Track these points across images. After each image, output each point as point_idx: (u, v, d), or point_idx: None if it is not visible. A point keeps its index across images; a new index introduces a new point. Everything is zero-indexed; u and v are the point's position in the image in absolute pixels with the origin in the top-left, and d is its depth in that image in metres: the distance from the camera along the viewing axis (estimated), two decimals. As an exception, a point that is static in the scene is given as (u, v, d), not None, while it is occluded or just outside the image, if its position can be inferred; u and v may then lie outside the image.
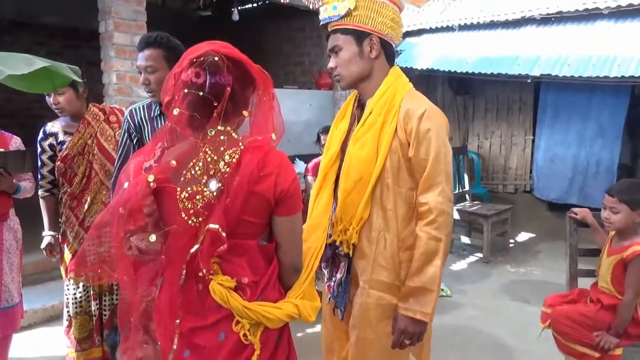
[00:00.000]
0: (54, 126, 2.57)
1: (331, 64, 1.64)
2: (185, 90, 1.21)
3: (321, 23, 1.66)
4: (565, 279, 2.79)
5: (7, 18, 5.84)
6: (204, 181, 1.20)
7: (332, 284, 1.68)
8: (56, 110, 2.49)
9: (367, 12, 1.57)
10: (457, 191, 5.40)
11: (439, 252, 1.51)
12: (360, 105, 1.71)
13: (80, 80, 1.55)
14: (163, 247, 1.23)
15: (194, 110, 1.21)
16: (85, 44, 6.54)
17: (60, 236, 2.60)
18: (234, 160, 1.20)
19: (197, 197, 1.20)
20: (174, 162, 1.22)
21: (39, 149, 2.55)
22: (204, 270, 1.18)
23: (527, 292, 4.13)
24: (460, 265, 4.90)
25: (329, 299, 1.72)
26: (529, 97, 6.28)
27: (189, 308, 1.24)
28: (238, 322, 1.21)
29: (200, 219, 1.19)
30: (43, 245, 2.59)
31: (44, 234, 2.61)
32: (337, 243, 1.62)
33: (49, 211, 2.60)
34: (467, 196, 5.55)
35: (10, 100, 6.23)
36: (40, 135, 2.55)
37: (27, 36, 6.33)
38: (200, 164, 1.21)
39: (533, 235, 5.79)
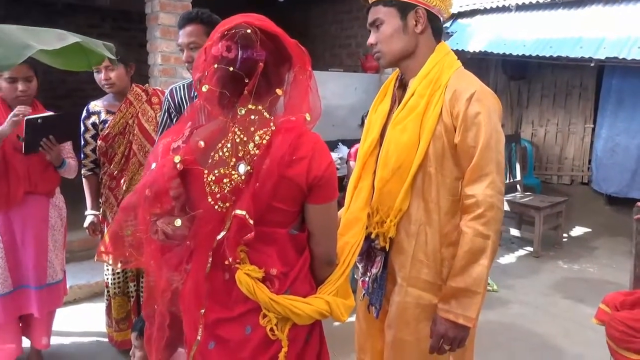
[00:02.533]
0: (97, 105, 2.58)
1: (371, 39, 1.49)
2: (215, 66, 1.12)
3: None
4: (628, 280, 2.57)
5: (61, 1, 6.00)
6: (232, 163, 1.12)
7: (367, 279, 1.56)
8: (106, 87, 2.49)
9: None
10: (508, 181, 5.13)
11: (486, 251, 1.35)
12: (402, 85, 1.56)
13: (114, 57, 1.52)
14: (189, 232, 1.17)
15: (223, 87, 1.12)
16: (135, 27, 6.62)
17: (101, 216, 2.63)
18: (264, 141, 1.11)
19: (225, 180, 1.12)
20: (202, 143, 1.15)
21: (82, 128, 2.57)
22: (230, 259, 1.11)
23: (581, 290, 3.88)
24: (508, 258, 4.67)
25: (363, 295, 1.60)
26: (591, 82, 5.86)
27: (215, 298, 1.17)
28: (265, 316, 1.14)
29: (227, 204, 1.11)
30: (86, 225, 2.63)
31: (86, 213, 2.64)
32: (373, 236, 1.50)
33: (91, 190, 2.63)
34: (518, 186, 5.28)
35: (65, 81, 6.44)
36: (84, 113, 2.57)
37: (80, 19, 6.49)
38: (229, 145, 1.12)
39: (589, 230, 5.44)
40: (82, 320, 3.22)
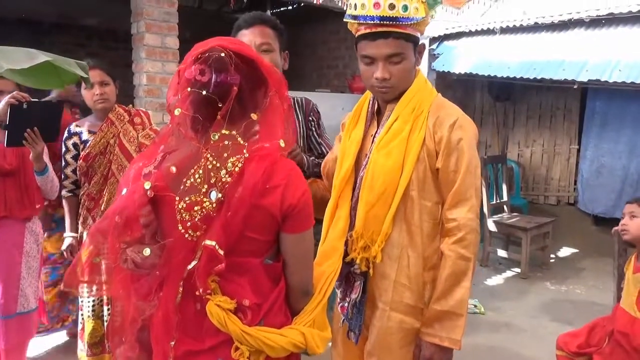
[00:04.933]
0: (78, 125, 2.55)
1: (384, 74, 1.39)
2: (188, 89, 1.10)
3: (376, 21, 1.36)
4: (612, 300, 2.56)
5: (48, 21, 5.98)
6: (204, 190, 1.09)
7: (346, 304, 1.53)
8: (99, 102, 2.44)
9: (427, 18, 1.42)
10: (494, 202, 5.13)
11: (467, 273, 1.40)
12: (376, 109, 1.55)
13: (87, 76, 1.49)
14: (160, 261, 1.13)
15: (196, 111, 1.10)
16: (122, 46, 6.62)
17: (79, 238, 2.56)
18: (237, 169, 1.08)
19: (196, 208, 1.08)
20: (173, 169, 1.12)
21: (63, 149, 2.53)
22: (201, 290, 1.07)
23: (569, 312, 3.85)
24: (495, 280, 4.64)
25: (343, 321, 1.56)
26: (575, 104, 5.94)
27: (186, 329, 1.13)
28: (237, 349, 1.09)
29: (198, 233, 1.08)
30: (64, 247, 2.56)
31: (65, 235, 2.58)
32: (358, 261, 1.46)
33: (70, 212, 2.57)
34: (505, 207, 5.27)
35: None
36: (65, 134, 2.54)
37: (67, 38, 6.46)
38: (201, 171, 1.09)
39: (576, 250, 5.45)
40: (57, 346, 3.11)
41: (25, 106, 2.06)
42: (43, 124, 2.17)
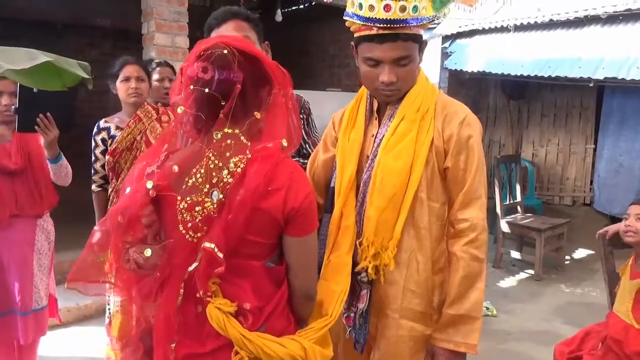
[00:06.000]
0: (107, 121, 2.59)
1: (391, 77, 1.34)
2: (191, 87, 1.08)
3: (386, 25, 1.29)
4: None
5: (60, 21, 6.04)
6: (205, 190, 1.06)
7: (353, 315, 1.47)
8: (132, 96, 2.48)
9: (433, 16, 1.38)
10: (508, 202, 5.05)
11: (481, 274, 1.36)
12: (373, 108, 1.49)
13: (89, 77, 1.48)
14: (162, 262, 1.11)
15: (199, 110, 1.08)
16: (134, 46, 6.68)
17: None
18: (239, 170, 1.05)
19: (197, 208, 1.06)
20: (175, 168, 1.10)
21: (92, 144, 2.56)
22: (201, 292, 1.04)
23: (583, 315, 3.76)
24: (509, 282, 4.57)
25: (349, 331, 1.49)
26: (591, 103, 5.83)
27: (187, 331, 1.11)
28: (237, 353, 1.06)
29: (198, 234, 1.06)
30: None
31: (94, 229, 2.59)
32: (370, 270, 1.40)
33: (100, 206, 2.59)
34: (518, 208, 5.18)
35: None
36: (95, 130, 2.58)
37: (80, 38, 6.54)
38: (203, 171, 1.07)
39: (592, 252, 5.33)
40: (71, 345, 3.13)
41: (35, 90, 1.99)
42: (56, 112, 2.11)
